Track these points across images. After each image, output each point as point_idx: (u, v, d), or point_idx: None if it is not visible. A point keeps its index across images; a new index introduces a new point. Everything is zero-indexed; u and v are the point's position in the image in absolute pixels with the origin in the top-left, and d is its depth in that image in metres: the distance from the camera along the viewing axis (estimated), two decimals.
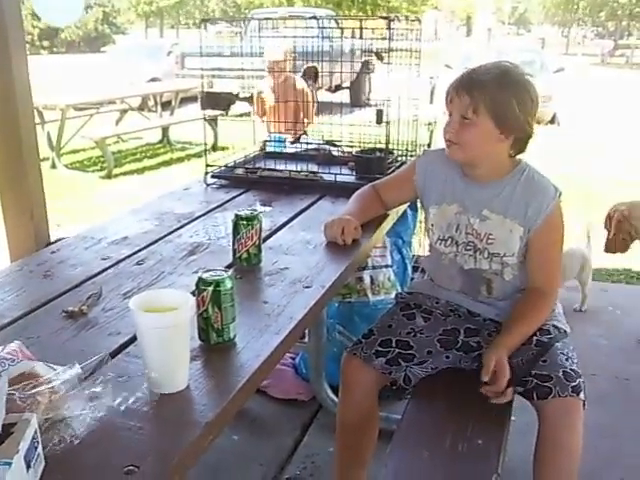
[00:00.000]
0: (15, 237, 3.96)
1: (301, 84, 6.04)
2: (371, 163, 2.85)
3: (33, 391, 1.23)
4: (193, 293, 1.52)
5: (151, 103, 11.79)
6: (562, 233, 2.18)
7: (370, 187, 2.47)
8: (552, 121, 12.89)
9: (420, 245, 4.46)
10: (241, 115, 11.05)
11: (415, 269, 3.52)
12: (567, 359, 2.10)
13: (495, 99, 2.02)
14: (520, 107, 2.02)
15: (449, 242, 2.25)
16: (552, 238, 2.17)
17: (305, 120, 5.55)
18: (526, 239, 2.13)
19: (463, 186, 2.20)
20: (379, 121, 2.92)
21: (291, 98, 5.57)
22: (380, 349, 2.20)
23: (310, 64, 10.65)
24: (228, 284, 1.52)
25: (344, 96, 13.62)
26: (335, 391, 3.00)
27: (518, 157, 2.18)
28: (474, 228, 2.18)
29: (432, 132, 3.30)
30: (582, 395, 2.01)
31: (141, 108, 11.94)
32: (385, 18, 2.76)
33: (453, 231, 2.24)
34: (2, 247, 4.09)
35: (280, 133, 4.25)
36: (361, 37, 3.36)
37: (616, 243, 3.73)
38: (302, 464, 2.77)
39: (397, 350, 2.20)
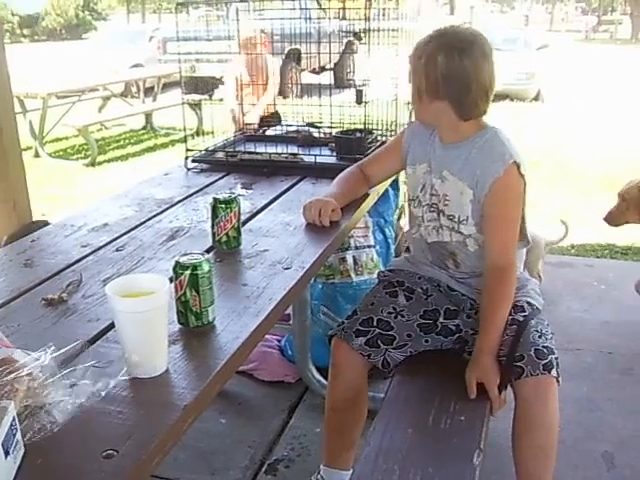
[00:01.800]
0: None
1: (272, 64, 6.00)
2: (351, 143, 2.85)
3: (11, 377, 1.23)
4: (172, 278, 1.53)
5: (134, 89, 11.73)
6: (516, 202, 2.12)
7: (355, 167, 2.48)
8: (536, 98, 12.91)
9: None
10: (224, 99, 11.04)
11: (407, 249, 3.52)
12: (540, 336, 2.10)
13: (415, 66, 2.10)
14: (439, 69, 2.03)
15: (416, 203, 2.28)
16: (503, 205, 2.11)
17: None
18: (479, 206, 2.10)
19: (434, 147, 2.23)
20: (359, 101, 2.92)
21: (261, 78, 5.56)
22: (361, 328, 2.21)
23: (293, 46, 10.66)
24: (205, 267, 1.52)
25: (328, 78, 13.59)
26: (321, 372, 3.03)
27: (484, 122, 2.16)
28: (435, 188, 2.20)
29: (412, 111, 3.29)
30: (554, 372, 2.02)
31: (124, 95, 11.88)
32: None
33: (418, 191, 2.27)
34: None
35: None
36: (344, 18, 3.34)
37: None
38: (290, 445, 2.79)
39: (377, 330, 2.20)
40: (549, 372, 2.01)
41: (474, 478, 1.73)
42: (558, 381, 2.03)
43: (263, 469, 2.65)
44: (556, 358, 2.05)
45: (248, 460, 2.70)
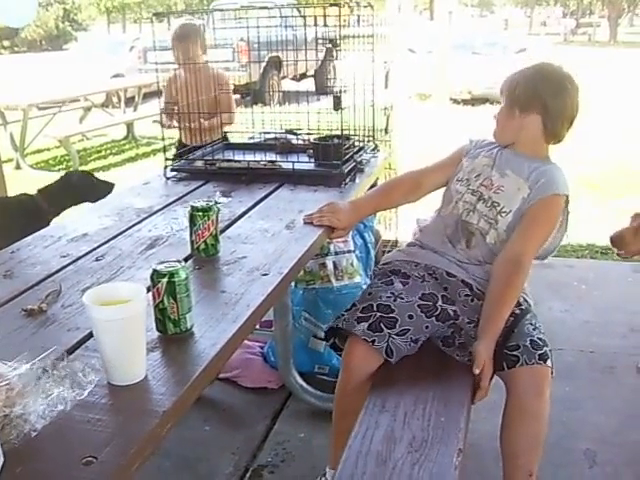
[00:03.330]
0: None
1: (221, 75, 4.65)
2: (328, 150, 2.87)
3: None
4: (150, 287, 1.54)
5: (115, 99, 11.71)
6: (555, 220, 2.31)
7: (407, 175, 2.62)
8: None
9: (387, 228, 4.50)
10: None
11: (383, 253, 3.55)
12: (534, 329, 2.17)
13: (517, 80, 2.41)
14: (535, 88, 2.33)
15: (464, 182, 2.41)
16: (546, 213, 2.28)
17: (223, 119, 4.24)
18: (527, 206, 2.27)
19: (502, 152, 2.43)
20: (336, 108, 2.94)
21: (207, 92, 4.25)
22: (361, 315, 2.21)
23: (273, 54, 10.67)
24: (182, 275, 1.54)
25: (309, 84, 13.63)
26: (304, 378, 3.05)
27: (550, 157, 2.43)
28: (491, 180, 2.36)
29: (388, 117, 3.33)
30: (549, 362, 2.08)
31: (105, 105, 11.86)
32: (335, 5, 2.78)
33: (472, 176, 2.41)
34: None
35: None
36: (325, 25, 3.37)
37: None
38: (274, 451, 2.80)
39: (379, 314, 2.20)
40: (544, 362, 2.06)
41: (455, 478, 1.75)
42: (552, 373, 2.08)
43: (247, 475, 2.66)
44: (550, 350, 2.11)
45: (232, 467, 2.71)
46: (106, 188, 3.93)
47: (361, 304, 2.27)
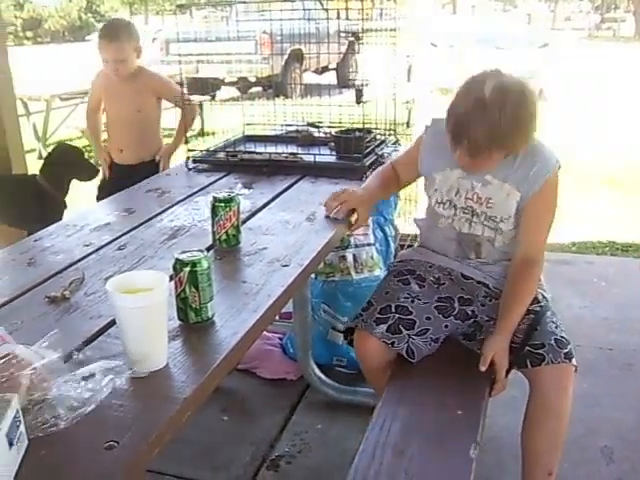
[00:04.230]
0: (1, 228, 3.99)
1: (164, 84, 3.92)
2: (349, 143, 2.88)
3: (14, 372, 1.26)
4: (172, 275, 1.56)
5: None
6: (556, 202, 2.21)
7: (389, 164, 2.53)
8: (538, 96, 12.91)
9: (406, 222, 4.50)
10: (227, 100, 11.05)
11: (402, 247, 3.55)
12: (557, 327, 2.17)
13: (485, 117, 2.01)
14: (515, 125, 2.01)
15: (447, 205, 2.31)
16: (547, 204, 2.20)
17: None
18: (522, 204, 2.18)
19: None
20: (358, 101, 2.95)
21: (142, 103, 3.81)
22: (380, 316, 2.22)
23: (295, 46, 10.68)
24: (204, 264, 1.55)
25: (331, 78, 13.62)
26: (322, 369, 3.06)
27: None
28: (476, 192, 2.24)
29: (410, 110, 3.32)
30: (574, 361, 2.08)
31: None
32: None
33: (452, 195, 2.29)
34: None
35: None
36: (347, 18, 3.37)
37: None
38: (291, 442, 2.81)
39: (397, 315, 2.20)
40: (570, 361, 2.07)
41: (470, 471, 1.75)
42: (576, 370, 2.09)
43: (265, 465, 2.68)
44: (573, 348, 2.11)
45: (250, 456, 2.73)
46: (91, 168, 4.01)
47: (379, 304, 2.28)
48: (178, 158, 3.13)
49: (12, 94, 4.05)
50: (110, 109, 3.86)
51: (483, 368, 2.06)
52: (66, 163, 3.88)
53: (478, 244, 2.31)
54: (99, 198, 3.54)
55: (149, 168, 3.70)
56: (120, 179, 3.49)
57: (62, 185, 3.87)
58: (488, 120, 1.95)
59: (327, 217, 2.30)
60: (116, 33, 3.60)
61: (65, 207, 3.85)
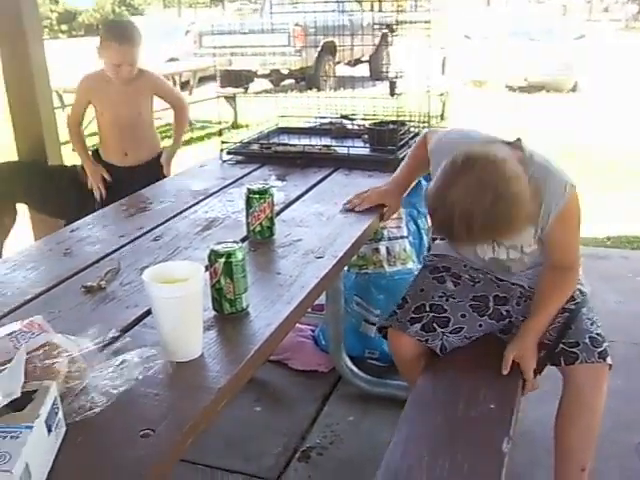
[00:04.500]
0: (38, 218, 4.05)
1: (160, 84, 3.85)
2: (383, 135, 2.88)
3: (53, 361, 1.28)
4: (207, 266, 1.57)
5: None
6: (578, 221, 2.09)
7: (422, 138, 2.41)
8: (574, 89, 12.76)
9: None
10: (260, 92, 11.07)
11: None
12: (592, 323, 2.13)
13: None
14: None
15: None
16: (567, 230, 2.08)
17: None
18: (540, 234, 2.08)
19: None
20: (392, 93, 2.95)
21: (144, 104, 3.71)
22: (414, 315, 2.22)
23: (328, 39, 10.66)
24: (239, 255, 1.56)
25: (364, 70, 13.57)
26: (354, 362, 3.06)
27: (523, 156, 2.00)
28: None
29: (444, 103, 3.31)
30: (609, 360, 2.05)
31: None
32: None
33: None
34: (26, 229, 4.18)
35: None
36: (381, 10, 3.36)
37: None
38: (322, 433, 2.82)
39: (431, 314, 2.20)
40: (604, 360, 2.04)
41: (503, 465, 1.74)
42: (610, 368, 2.06)
43: (296, 456, 2.69)
44: (608, 346, 2.08)
45: (281, 447, 2.74)
46: None
47: (413, 302, 2.27)
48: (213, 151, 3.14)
49: (48, 86, 4.09)
50: (106, 113, 3.69)
51: (505, 371, 2.05)
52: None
53: (507, 266, 2.25)
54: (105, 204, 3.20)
55: (150, 168, 3.64)
56: (124, 182, 3.46)
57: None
58: (462, 231, 1.82)
59: (348, 211, 2.31)
60: (128, 35, 3.49)
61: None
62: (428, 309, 2.22)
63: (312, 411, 2.97)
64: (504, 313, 2.26)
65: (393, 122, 2.97)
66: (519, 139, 2.06)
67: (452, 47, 11.56)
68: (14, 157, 4.15)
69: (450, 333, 2.18)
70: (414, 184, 2.55)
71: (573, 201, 2.03)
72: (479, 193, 1.76)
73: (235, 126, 9.00)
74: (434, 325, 2.18)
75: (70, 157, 4.29)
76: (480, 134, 2.15)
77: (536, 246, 2.14)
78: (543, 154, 2.09)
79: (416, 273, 2.51)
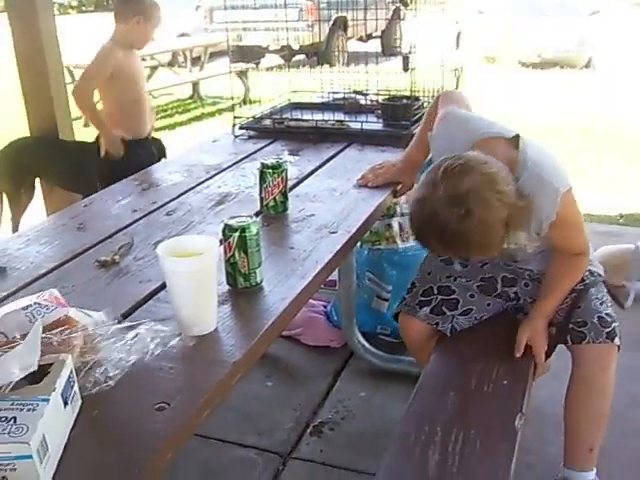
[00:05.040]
0: (50, 195, 4.05)
1: None
2: (397, 110, 2.86)
3: (68, 335, 1.28)
4: (221, 240, 1.57)
5: (181, 59, 11.75)
6: (575, 219, 2.01)
7: (433, 108, 2.33)
8: (587, 65, 12.64)
9: None
10: (272, 68, 11.01)
11: None
12: (601, 303, 2.11)
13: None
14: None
15: None
16: (565, 231, 1.98)
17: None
18: (538, 235, 1.96)
19: None
20: (405, 68, 2.92)
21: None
22: (423, 299, 2.22)
23: (340, 14, 10.58)
24: (253, 230, 1.56)
25: (376, 46, 13.47)
26: (366, 337, 3.06)
27: (515, 157, 1.89)
28: None
29: (458, 78, 3.28)
30: (617, 340, 2.03)
31: (171, 64, 11.92)
32: None
33: None
34: (39, 204, 4.19)
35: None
36: None
37: None
38: (334, 409, 2.83)
39: (440, 297, 2.21)
40: (612, 340, 2.02)
41: (515, 441, 1.74)
42: (619, 348, 2.05)
43: (308, 431, 2.69)
44: (618, 326, 2.06)
45: (293, 422, 2.75)
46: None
47: (421, 286, 2.27)
48: (225, 126, 3.13)
49: (60, 63, 4.08)
50: (135, 88, 3.79)
51: (518, 354, 2.04)
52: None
53: (511, 255, 2.17)
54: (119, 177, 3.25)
55: (152, 141, 3.93)
56: (141, 155, 3.62)
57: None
58: (435, 242, 1.78)
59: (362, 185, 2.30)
60: (158, 16, 3.69)
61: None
62: (436, 292, 2.22)
63: (324, 386, 2.98)
64: (512, 295, 2.25)
65: (406, 97, 2.95)
66: (518, 135, 1.93)
67: (466, 22, 11.45)
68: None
69: (460, 315, 2.19)
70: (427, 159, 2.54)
71: (567, 207, 1.91)
72: (453, 207, 1.66)
73: (246, 101, 8.97)
74: (443, 308, 2.19)
75: (81, 133, 4.29)
76: (482, 122, 2.03)
77: (537, 243, 2.02)
78: (540, 149, 1.96)
79: (424, 256, 2.48)
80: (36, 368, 1.12)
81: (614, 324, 2.05)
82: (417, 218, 1.77)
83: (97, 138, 3.80)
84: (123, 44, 3.64)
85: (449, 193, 1.68)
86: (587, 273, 2.18)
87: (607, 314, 2.07)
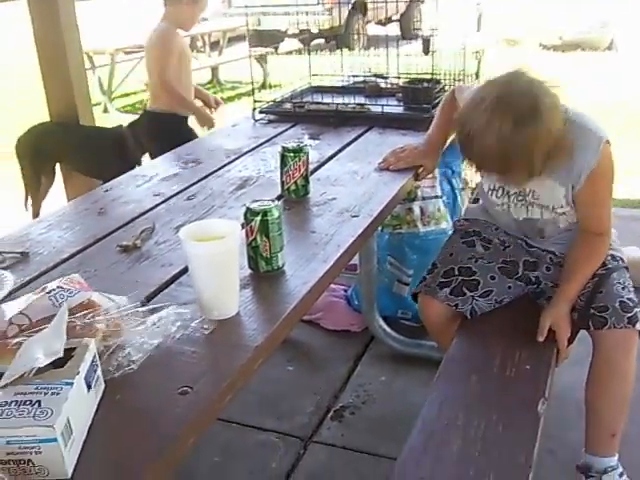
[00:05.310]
0: (70, 180, 4.07)
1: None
2: (418, 93, 2.84)
3: (92, 319, 1.28)
4: (243, 224, 1.56)
5: (200, 44, 11.74)
6: (610, 179, 2.04)
7: (450, 93, 2.42)
8: (609, 47, 12.50)
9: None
10: (291, 52, 10.98)
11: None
12: (623, 288, 2.09)
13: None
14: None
15: (500, 192, 2.20)
16: (599, 189, 2.03)
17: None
18: (572, 194, 2.04)
19: None
20: (426, 51, 2.90)
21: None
22: (443, 280, 2.21)
23: None
24: (275, 213, 1.55)
25: (395, 29, 13.38)
26: (387, 321, 3.06)
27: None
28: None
29: (480, 61, 3.25)
30: (638, 325, 2.01)
31: (190, 49, 11.91)
32: None
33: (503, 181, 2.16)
34: (59, 190, 4.21)
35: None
36: None
37: None
38: (355, 393, 2.83)
39: (460, 278, 2.19)
40: (633, 326, 2.00)
41: (538, 426, 1.73)
42: None
43: (329, 415, 2.70)
44: (639, 311, 2.04)
45: (314, 406, 2.76)
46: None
47: (442, 267, 2.25)
48: (244, 111, 3.13)
49: (80, 48, 4.08)
50: (190, 66, 4.03)
51: (541, 338, 2.03)
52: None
53: (540, 229, 2.21)
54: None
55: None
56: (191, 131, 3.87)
57: (143, 146, 3.92)
58: (487, 147, 1.81)
59: (383, 169, 2.30)
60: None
61: (140, 165, 3.90)
62: (457, 272, 2.21)
63: (344, 371, 2.98)
64: (533, 279, 2.24)
65: (427, 80, 2.93)
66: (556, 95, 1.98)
67: (488, 4, 11.34)
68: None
69: (480, 297, 2.17)
70: (449, 142, 2.52)
71: (606, 158, 1.99)
72: (502, 116, 1.77)
73: (265, 86, 8.95)
74: (463, 289, 2.17)
75: (100, 119, 4.30)
76: None
77: (569, 207, 2.09)
78: (579, 109, 2.04)
79: (446, 238, 2.48)
80: (61, 355, 1.12)
81: (636, 309, 2.03)
82: (464, 127, 1.85)
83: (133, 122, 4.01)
84: (175, 26, 3.86)
85: (503, 102, 1.80)
86: (609, 257, 2.16)
87: (629, 299, 2.05)
